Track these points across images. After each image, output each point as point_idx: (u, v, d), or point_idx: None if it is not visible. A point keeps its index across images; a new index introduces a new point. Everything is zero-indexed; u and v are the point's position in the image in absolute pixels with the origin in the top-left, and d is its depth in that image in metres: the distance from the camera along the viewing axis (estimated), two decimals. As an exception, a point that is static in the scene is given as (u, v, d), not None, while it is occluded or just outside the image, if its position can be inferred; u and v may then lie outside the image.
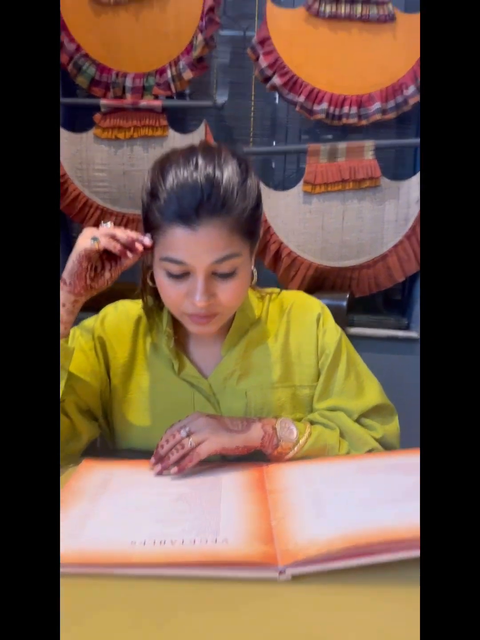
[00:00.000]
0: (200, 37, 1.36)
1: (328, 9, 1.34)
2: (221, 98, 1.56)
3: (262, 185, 1.37)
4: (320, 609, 0.46)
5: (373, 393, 0.83)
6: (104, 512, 0.59)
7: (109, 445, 0.86)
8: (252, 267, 0.76)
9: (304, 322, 0.84)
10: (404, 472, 0.66)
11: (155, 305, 0.83)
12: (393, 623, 0.45)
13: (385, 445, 0.80)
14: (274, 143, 1.55)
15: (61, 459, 0.74)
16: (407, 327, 1.49)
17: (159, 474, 0.71)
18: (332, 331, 0.84)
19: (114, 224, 1.58)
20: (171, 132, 1.44)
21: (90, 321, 0.86)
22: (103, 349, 0.83)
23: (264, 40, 1.35)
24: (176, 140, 1.43)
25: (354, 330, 1.47)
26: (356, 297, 1.45)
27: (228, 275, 0.69)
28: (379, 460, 0.72)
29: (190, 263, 0.67)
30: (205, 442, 0.72)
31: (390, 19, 1.35)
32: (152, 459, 0.74)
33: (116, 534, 0.55)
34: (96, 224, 1.47)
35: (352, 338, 1.43)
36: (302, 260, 1.41)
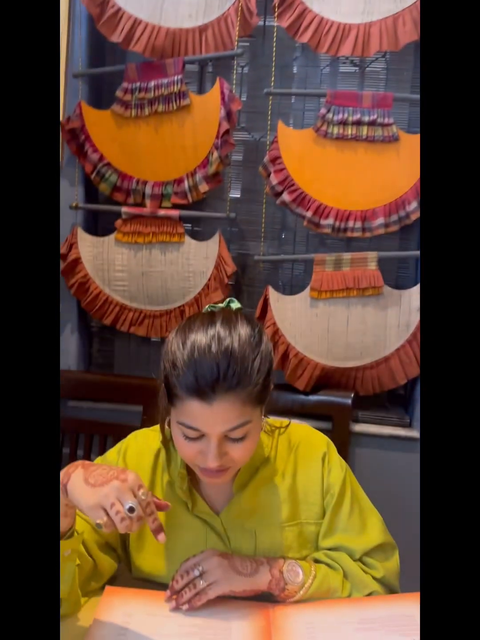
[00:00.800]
0: (215, 154, 1.47)
1: (335, 130, 1.45)
2: (234, 194, 1.67)
3: (271, 291, 1.46)
4: None
5: (375, 531, 0.88)
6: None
7: (127, 574, 0.91)
8: (263, 417, 0.83)
9: (310, 461, 0.89)
10: (400, 632, 0.72)
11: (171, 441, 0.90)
12: None
13: (385, 584, 0.85)
14: (283, 236, 1.65)
15: (82, 594, 0.81)
16: (409, 425, 1.55)
17: (173, 610, 0.78)
18: (337, 469, 0.89)
19: (131, 322, 1.66)
20: (187, 239, 1.53)
21: (112, 454, 0.92)
22: None
23: (275, 159, 1.46)
24: (191, 246, 1.53)
25: (359, 427, 1.53)
26: (361, 395, 1.52)
27: (240, 439, 0.75)
28: (378, 611, 0.77)
29: (204, 430, 0.74)
30: (215, 584, 0.78)
31: (394, 139, 1.45)
32: (168, 592, 0.80)
33: None
34: (115, 320, 1.57)
35: (357, 435, 1.51)
36: (309, 360, 1.49)
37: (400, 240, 1.57)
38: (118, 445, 0.94)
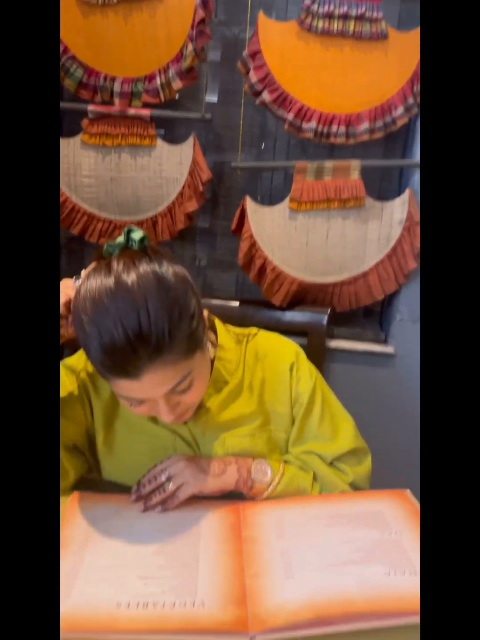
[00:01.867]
0: (190, 47, 1.34)
1: (320, 24, 1.33)
2: (211, 98, 1.55)
3: (248, 201, 1.39)
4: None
5: (347, 437, 0.87)
6: (91, 570, 0.64)
7: (95, 476, 0.90)
8: (207, 342, 0.75)
9: (277, 372, 0.87)
10: (368, 525, 0.72)
11: None
12: None
13: (355, 488, 0.86)
14: (263, 146, 1.56)
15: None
16: (384, 341, 1.54)
17: (143, 512, 0.77)
18: (306, 379, 0.87)
19: (100, 233, 1.58)
20: (159, 142, 1.43)
21: (73, 359, 0.88)
22: (85, 388, 0.85)
23: (255, 54, 1.34)
24: (164, 150, 1.43)
25: (334, 342, 1.51)
26: (337, 311, 1.49)
27: (186, 388, 0.70)
28: (347, 507, 0.77)
29: (144, 398, 0.69)
30: (185, 486, 0.77)
31: (382, 36, 1.34)
32: (133, 496, 0.79)
33: (103, 594, 0.60)
34: (83, 230, 1.49)
35: (332, 351, 1.49)
36: (286, 275, 1.44)
37: (384, 149, 1.49)
38: (78, 353, 0.89)
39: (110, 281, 0.64)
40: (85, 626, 0.55)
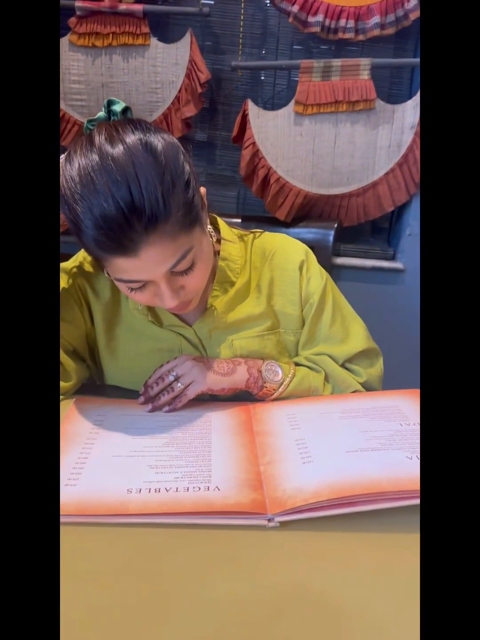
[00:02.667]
0: None
1: None
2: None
3: (250, 104, 1.30)
4: (305, 553, 0.50)
5: (358, 338, 0.84)
6: (99, 458, 0.61)
7: (97, 382, 0.87)
8: (208, 228, 0.72)
9: (286, 271, 0.82)
10: (385, 418, 0.69)
11: None
12: (383, 566, 0.48)
13: (368, 389, 0.83)
14: (263, 51, 1.45)
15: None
16: (393, 257, 1.49)
17: (151, 412, 0.74)
18: (317, 278, 0.83)
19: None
20: (153, 41, 1.32)
21: (70, 263, 0.83)
22: (85, 291, 0.81)
23: None
24: (159, 50, 1.33)
25: (341, 260, 1.46)
26: (344, 226, 1.43)
27: (188, 269, 0.66)
28: (361, 403, 0.74)
29: (145, 279, 0.64)
30: (193, 384, 0.74)
31: None
32: (141, 398, 0.76)
33: (112, 481, 0.57)
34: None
35: (339, 268, 1.44)
36: (291, 186, 1.37)
37: (394, 48, 1.38)
38: (76, 256, 0.84)
39: (94, 155, 0.58)
40: (95, 510, 0.53)
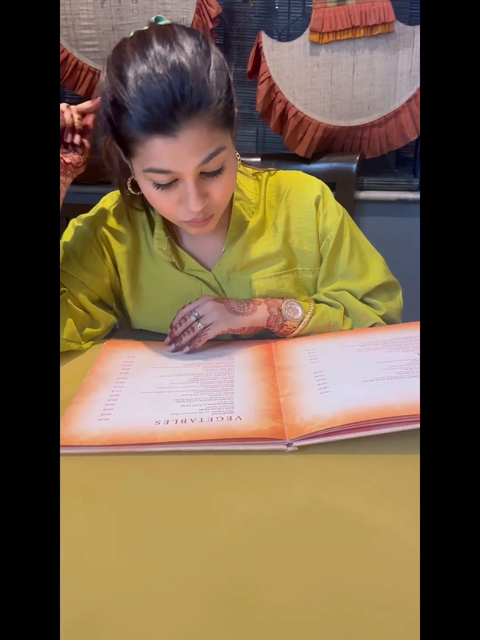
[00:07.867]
0: None
1: None
2: None
3: (264, 36, 1.26)
4: (321, 473, 0.53)
5: (377, 272, 0.85)
6: (130, 395, 0.66)
7: (126, 327, 0.91)
8: (236, 151, 0.73)
9: (302, 207, 0.83)
10: (403, 348, 0.70)
11: (142, 207, 0.83)
12: (393, 484, 0.52)
13: (388, 321, 0.84)
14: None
15: (83, 340, 0.81)
16: (418, 189, 1.45)
17: (174, 352, 0.78)
18: (333, 214, 0.83)
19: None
20: (161, -24, 1.28)
21: (90, 215, 0.86)
22: (106, 241, 0.84)
23: None
24: (167, -15, 1.29)
25: (364, 194, 1.44)
26: (367, 159, 1.40)
27: (217, 172, 0.67)
28: (381, 335, 0.76)
29: (177, 170, 0.64)
30: (214, 325, 0.77)
31: None
32: (167, 339, 0.80)
33: (142, 414, 0.61)
34: (90, 90, 1.40)
35: (362, 203, 1.42)
36: (310, 120, 1.34)
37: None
38: (95, 207, 0.87)
39: (150, 45, 0.61)
40: (127, 440, 0.57)
